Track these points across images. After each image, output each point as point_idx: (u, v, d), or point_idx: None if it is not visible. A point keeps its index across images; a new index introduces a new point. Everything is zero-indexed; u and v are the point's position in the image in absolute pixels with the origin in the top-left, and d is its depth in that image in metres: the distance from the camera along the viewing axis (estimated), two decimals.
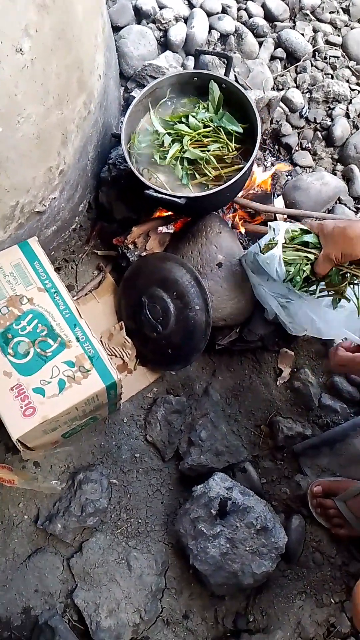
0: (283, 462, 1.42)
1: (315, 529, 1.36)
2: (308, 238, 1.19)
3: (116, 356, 1.50)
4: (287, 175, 1.72)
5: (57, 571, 1.32)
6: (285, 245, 1.20)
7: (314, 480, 1.37)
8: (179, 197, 1.25)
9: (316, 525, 1.35)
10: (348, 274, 1.16)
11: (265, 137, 1.79)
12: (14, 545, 1.35)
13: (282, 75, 1.87)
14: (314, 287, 1.21)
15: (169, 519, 1.37)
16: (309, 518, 1.36)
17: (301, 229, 1.22)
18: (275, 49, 1.91)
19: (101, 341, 1.49)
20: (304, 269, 1.18)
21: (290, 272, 1.19)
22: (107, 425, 1.46)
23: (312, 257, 1.18)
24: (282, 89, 1.84)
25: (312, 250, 1.18)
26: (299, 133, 1.80)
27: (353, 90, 1.84)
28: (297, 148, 1.79)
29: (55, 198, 1.32)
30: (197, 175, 1.36)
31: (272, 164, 1.66)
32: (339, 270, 1.16)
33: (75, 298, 1.56)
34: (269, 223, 1.28)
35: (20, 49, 0.98)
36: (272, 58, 1.90)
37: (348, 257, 1.11)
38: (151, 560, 1.33)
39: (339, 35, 1.93)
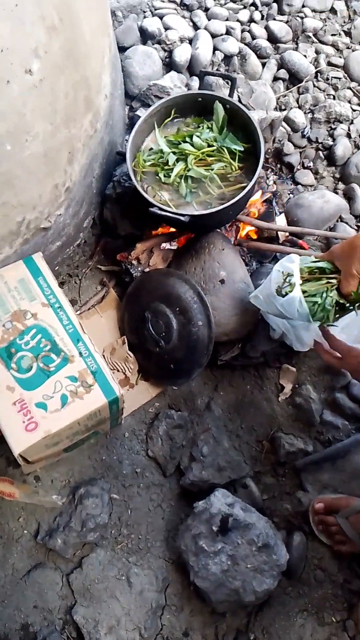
0: (284, 478, 1.42)
1: (317, 546, 1.35)
2: (322, 264, 1.17)
3: (118, 370, 1.51)
4: (289, 194, 1.74)
5: (57, 587, 1.31)
6: (302, 277, 1.16)
7: (316, 496, 1.36)
8: (183, 215, 1.27)
9: (318, 542, 1.35)
10: None
11: (267, 156, 1.81)
12: (13, 560, 1.34)
13: (285, 96, 1.91)
14: (348, 313, 1.16)
15: (169, 534, 1.37)
16: (310, 535, 1.35)
17: (312, 261, 1.20)
18: (278, 70, 1.95)
19: (104, 356, 1.50)
20: (331, 295, 1.14)
21: (317, 304, 1.13)
22: (109, 440, 1.46)
23: (334, 282, 1.14)
24: (285, 109, 1.88)
25: (332, 276, 1.15)
26: (301, 152, 1.83)
27: (354, 110, 1.87)
28: (299, 167, 1.82)
29: (60, 214, 1.34)
30: (200, 194, 1.38)
31: (275, 183, 1.69)
32: None
33: (78, 312, 1.57)
34: (275, 267, 1.23)
35: (30, 70, 1.00)
36: (275, 79, 1.94)
37: None
38: (152, 576, 1.32)
39: (340, 57, 1.97)
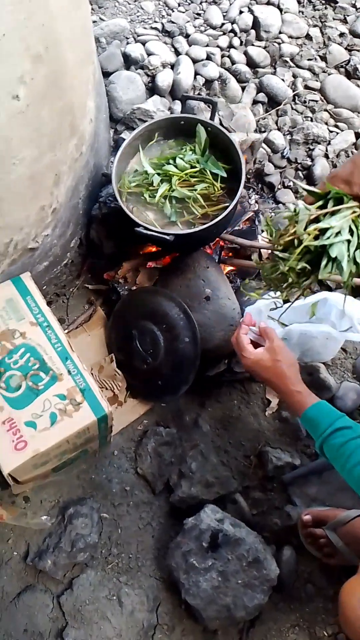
0: (273, 493, 1.43)
1: (307, 560, 1.35)
2: (335, 193, 0.99)
3: (107, 389, 1.51)
4: (271, 212, 1.78)
5: (47, 609, 1.30)
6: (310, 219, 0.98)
7: (304, 510, 1.37)
8: (168, 235, 1.30)
9: (307, 555, 1.35)
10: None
11: (249, 177, 1.86)
12: (2, 582, 1.33)
13: (264, 118, 1.96)
14: None
15: (160, 553, 1.37)
16: (300, 549, 1.36)
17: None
18: (257, 93, 2.01)
19: (92, 374, 1.51)
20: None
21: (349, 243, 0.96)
22: (98, 459, 1.46)
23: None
24: (265, 131, 1.93)
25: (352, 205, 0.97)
26: (281, 172, 1.88)
27: (331, 132, 1.93)
28: (279, 186, 1.87)
29: (47, 235, 1.36)
30: (185, 213, 1.41)
31: (257, 202, 1.73)
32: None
33: (66, 331, 1.58)
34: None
35: (17, 96, 1.03)
36: (255, 102, 2.00)
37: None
38: (142, 596, 1.32)
39: (317, 81, 2.04)
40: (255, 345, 1.25)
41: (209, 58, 2.02)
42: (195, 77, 1.97)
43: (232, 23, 2.09)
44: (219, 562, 1.23)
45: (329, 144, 1.90)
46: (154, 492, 1.43)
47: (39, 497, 1.40)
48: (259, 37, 2.09)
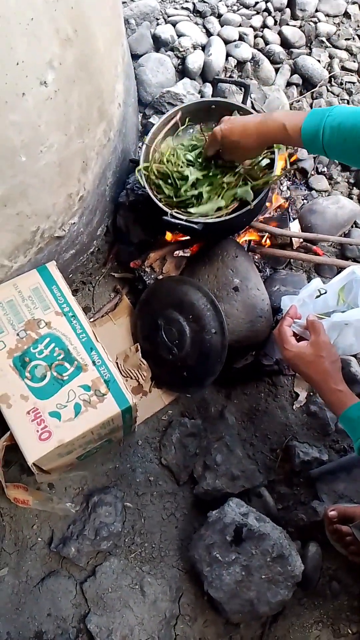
0: (299, 488, 1.41)
1: (332, 557, 1.33)
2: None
3: (131, 378, 1.51)
4: (302, 199, 1.73)
5: (70, 595, 1.32)
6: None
7: (330, 505, 1.34)
8: (197, 223, 1.26)
9: (333, 552, 1.33)
10: None
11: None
12: (27, 567, 1.35)
13: (299, 101, 1.90)
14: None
15: (183, 544, 1.36)
16: (325, 545, 1.34)
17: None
18: (291, 75, 1.94)
19: (117, 363, 1.51)
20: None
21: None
22: (122, 448, 1.46)
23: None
24: None
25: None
26: (314, 158, 1.82)
27: None
28: (312, 172, 1.81)
29: (74, 223, 1.35)
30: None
31: (288, 189, 1.68)
32: None
33: (91, 320, 1.58)
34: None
35: (45, 82, 1.01)
36: (289, 84, 1.93)
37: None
38: (165, 586, 1.32)
39: (354, 61, 1.96)
40: (298, 339, 1.22)
41: (241, 39, 1.96)
42: (226, 59, 1.91)
43: (266, 2, 2.02)
44: (243, 556, 1.22)
45: None
46: (178, 483, 1.43)
47: (64, 484, 1.41)
48: (294, 16, 2.01)
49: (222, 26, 1.97)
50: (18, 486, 1.34)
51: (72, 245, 1.42)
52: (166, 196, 1.35)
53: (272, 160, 1.33)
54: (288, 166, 1.69)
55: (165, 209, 1.31)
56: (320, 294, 1.30)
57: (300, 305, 1.30)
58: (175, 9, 2.02)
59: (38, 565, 1.35)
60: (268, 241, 1.62)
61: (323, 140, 1.07)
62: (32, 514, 1.39)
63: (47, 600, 1.31)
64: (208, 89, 1.86)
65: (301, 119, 1.09)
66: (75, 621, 1.29)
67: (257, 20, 2.00)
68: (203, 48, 1.93)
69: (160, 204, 1.32)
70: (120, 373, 1.49)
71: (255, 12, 2.02)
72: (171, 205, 1.33)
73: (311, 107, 1.89)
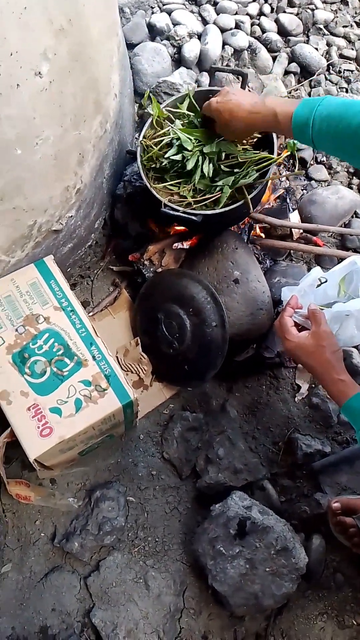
0: (302, 480, 1.40)
1: (336, 549, 1.33)
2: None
3: (132, 372, 1.50)
4: (302, 190, 1.71)
5: (75, 590, 1.31)
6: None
7: (333, 497, 1.34)
8: (196, 215, 1.25)
9: (337, 544, 1.32)
10: None
11: (280, 152, 1.78)
12: (30, 563, 1.34)
13: (297, 90, 1.87)
14: None
15: (186, 537, 1.36)
16: (329, 537, 1.33)
17: None
18: (289, 63, 1.92)
19: (117, 357, 1.50)
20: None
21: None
22: (124, 443, 1.45)
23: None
24: None
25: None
26: None
27: None
28: (312, 162, 1.79)
29: (72, 216, 1.33)
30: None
31: (287, 179, 1.66)
32: None
33: (91, 314, 1.57)
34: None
35: (39, 73, 0.99)
36: (286, 73, 1.91)
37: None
38: (169, 579, 1.32)
39: (353, 49, 1.93)
40: (299, 329, 1.21)
41: (238, 27, 1.93)
42: (223, 47, 1.89)
43: None
44: (247, 549, 1.22)
45: None
46: (181, 477, 1.42)
47: (66, 479, 1.41)
48: (291, 4, 1.99)
49: (218, 14, 1.94)
50: (20, 482, 1.34)
51: (69, 239, 1.40)
52: (161, 178, 1.34)
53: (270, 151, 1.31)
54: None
55: (163, 200, 1.29)
56: (321, 283, 1.29)
57: (301, 296, 1.29)
58: None
59: (41, 560, 1.35)
60: (258, 230, 1.60)
61: (312, 130, 1.05)
62: (35, 510, 1.38)
63: (51, 596, 1.31)
64: (205, 78, 1.84)
65: (293, 107, 1.08)
66: (80, 616, 1.29)
67: (253, 8, 1.97)
68: (199, 37, 1.91)
69: (158, 195, 1.30)
70: (121, 367, 1.47)
71: (251, 0, 1.99)
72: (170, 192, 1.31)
73: (309, 95, 1.87)
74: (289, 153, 1.28)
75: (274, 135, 1.32)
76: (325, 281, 1.30)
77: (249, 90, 1.74)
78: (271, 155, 1.30)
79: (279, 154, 1.32)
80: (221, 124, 1.25)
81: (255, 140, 1.37)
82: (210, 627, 1.28)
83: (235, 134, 1.26)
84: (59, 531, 1.36)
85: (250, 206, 1.29)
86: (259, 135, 1.36)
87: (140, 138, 1.37)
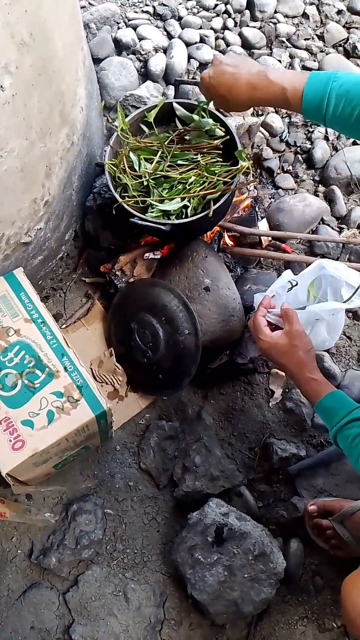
0: (279, 485, 1.41)
1: (314, 552, 1.34)
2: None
3: (107, 383, 1.49)
4: (270, 198, 1.74)
5: (53, 606, 1.29)
6: None
7: (310, 500, 1.35)
8: (164, 224, 1.26)
9: (315, 547, 1.33)
10: None
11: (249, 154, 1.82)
12: (8, 581, 1.32)
13: None
14: None
15: (165, 548, 1.35)
16: (307, 541, 1.34)
17: None
18: None
19: (91, 369, 1.49)
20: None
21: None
22: (100, 454, 1.44)
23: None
24: (262, 115, 1.88)
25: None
26: (280, 157, 1.83)
27: None
28: (278, 171, 1.82)
29: (41, 228, 1.33)
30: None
31: (255, 188, 1.69)
32: None
33: (64, 326, 1.56)
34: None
35: (1, 86, 0.99)
36: None
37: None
38: (149, 591, 1.31)
39: (314, 61, 1.98)
40: (272, 328, 1.22)
41: (202, 41, 1.97)
42: (189, 61, 1.92)
43: (226, 4, 2.04)
44: (225, 556, 1.22)
45: None
46: (158, 486, 1.41)
47: (42, 494, 1.39)
48: (253, 18, 2.03)
49: (182, 29, 1.98)
50: None
51: (40, 251, 1.40)
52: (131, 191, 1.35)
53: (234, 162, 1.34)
54: (251, 177, 1.71)
55: (132, 211, 1.30)
56: (292, 286, 1.31)
57: (273, 297, 1.31)
58: (136, 12, 2.02)
59: (19, 578, 1.32)
60: (227, 239, 1.62)
61: (327, 109, 1.00)
62: (11, 526, 1.36)
63: (30, 613, 1.28)
64: (171, 90, 1.86)
65: (302, 83, 1.01)
66: (60, 632, 1.27)
67: (217, 22, 2.01)
68: (165, 51, 1.94)
69: (126, 206, 1.31)
70: (95, 379, 1.48)
71: (215, 14, 2.03)
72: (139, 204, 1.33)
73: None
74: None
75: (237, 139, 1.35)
76: (296, 284, 1.32)
77: (217, 109, 1.78)
78: (235, 167, 1.32)
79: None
80: (219, 101, 1.17)
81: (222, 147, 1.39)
82: (191, 637, 1.27)
83: (234, 107, 1.17)
84: (36, 547, 1.34)
85: (215, 215, 1.30)
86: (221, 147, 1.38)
87: (106, 159, 1.38)
